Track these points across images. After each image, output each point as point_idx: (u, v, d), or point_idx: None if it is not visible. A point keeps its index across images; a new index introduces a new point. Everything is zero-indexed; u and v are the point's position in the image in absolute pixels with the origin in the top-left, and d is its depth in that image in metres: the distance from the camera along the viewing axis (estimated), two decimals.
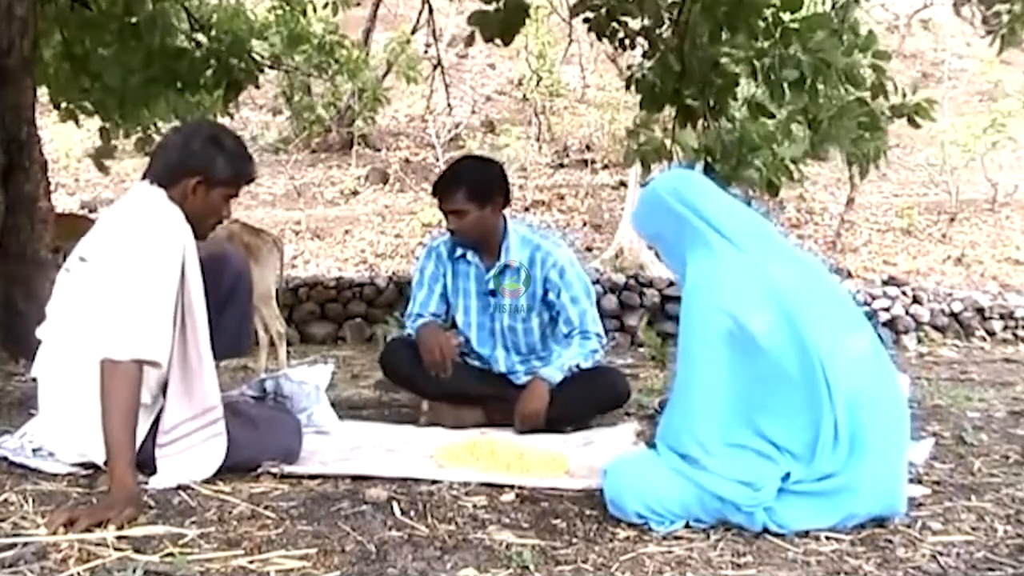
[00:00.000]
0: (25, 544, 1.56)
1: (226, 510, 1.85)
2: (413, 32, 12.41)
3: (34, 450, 2.17)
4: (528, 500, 2.02)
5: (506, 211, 3.05)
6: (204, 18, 6.07)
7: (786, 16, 4.48)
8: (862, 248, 12.80)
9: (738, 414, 1.84)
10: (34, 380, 2.18)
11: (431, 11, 7.57)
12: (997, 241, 12.98)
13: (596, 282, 6.91)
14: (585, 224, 13.04)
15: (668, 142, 5.43)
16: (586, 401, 2.96)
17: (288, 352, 4.65)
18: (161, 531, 1.68)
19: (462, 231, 2.96)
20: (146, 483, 1.96)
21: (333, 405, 2.82)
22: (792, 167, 5.25)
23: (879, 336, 1.97)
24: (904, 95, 4.88)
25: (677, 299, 6.83)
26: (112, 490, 1.81)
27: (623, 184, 13.19)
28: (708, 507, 1.80)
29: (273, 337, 4.48)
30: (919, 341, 7.54)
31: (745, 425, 1.83)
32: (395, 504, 1.92)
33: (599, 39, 5.23)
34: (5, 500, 1.85)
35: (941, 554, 1.68)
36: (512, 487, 2.10)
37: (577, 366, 2.94)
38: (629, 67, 6.26)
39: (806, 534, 1.77)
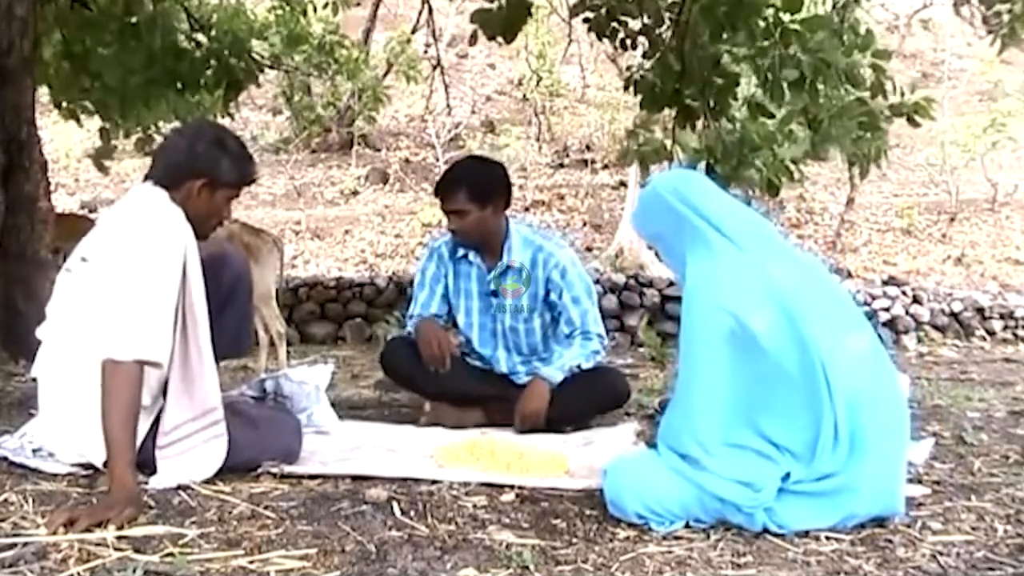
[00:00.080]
0: (25, 544, 1.56)
1: (226, 510, 1.85)
2: (413, 32, 12.41)
3: (34, 450, 2.17)
4: (528, 500, 2.02)
5: (506, 212, 3.05)
6: (204, 18, 6.07)
7: (786, 16, 4.48)
8: (862, 248, 12.80)
9: (739, 414, 1.83)
10: (34, 380, 2.18)
11: (431, 11, 7.57)
12: (997, 241, 12.98)
13: (596, 282, 6.91)
14: (585, 224, 13.04)
15: (668, 143, 5.43)
16: (586, 401, 2.96)
17: (288, 352, 4.66)
18: (161, 531, 1.68)
19: (463, 231, 2.96)
20: (146, 483, 1.96)
21: (333, 405, 2.82)
22: (792, 167, 5.25)
23: (879, 336, 1.97)
24: (902, 94, 4.88)
25: (677, 299, 6.84)
26: (112, 490, 1.81)
27: (623, 184, 13.19)
28: (708, 507, 1.80)
29: (273, 337, 4.48)
30: (919, 341, 7.54)
31: (746, 425, 1.83)
32: (395, 504, 1.92)
33: (599, 39, 5.23)
34: (5, 500, 1.85)
35: (941, 554, 1.68)
36: (512, 487, 2.10)
37: (578, 366, 2.94)
38: (629, 67, 6.27)
39: (806, 534, 1.77)
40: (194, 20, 5.95)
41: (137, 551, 1.56)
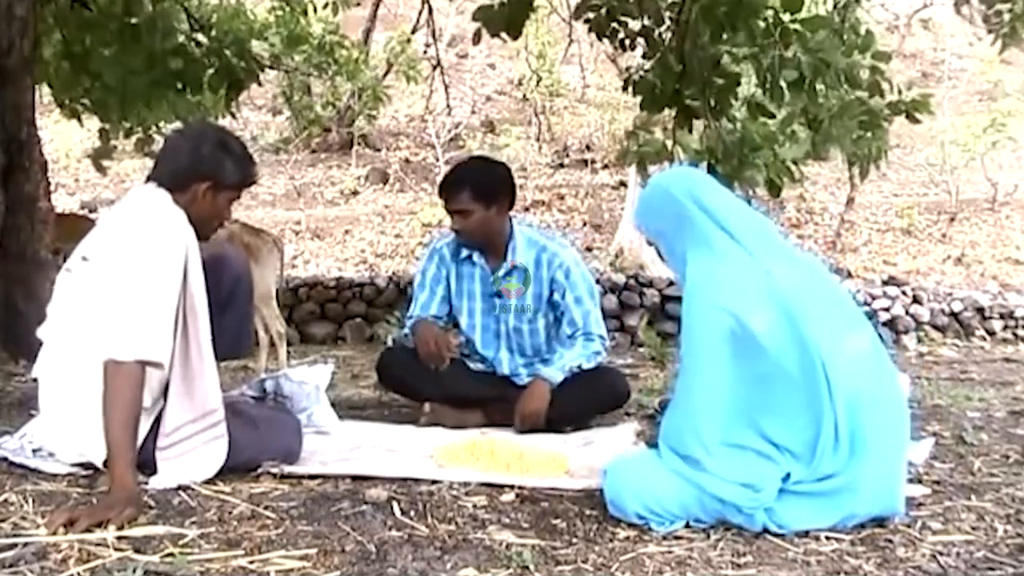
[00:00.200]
0: (25, 544, 1.56)
1: (226, 510, 1.85)
2: (413, 32, 12.40)
3: (34, 450, 2.17)
4: (528, 500, 2.02)
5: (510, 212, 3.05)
6: (204, 18, 6.07)
7: (786, 16, 4.48)
8: (862, 248, 12.79)
9: (739, 414, 1.83)
10: (35, 380, 2.19)
11: (431, 11, 7.58)
12: (997, 241, 12.98)
13: (596, 282, 6.91)
14: (585, 224, 13.04)
15: (669, 143, 5.43)
16: (586, 401, 2.96)
17: (288, 352, 4.66)
18: (161, 531, 1.68)
19: (467, 231, 2.96)
20: (146, 483, 1.96)
21: (333, 405, 2.82)
22: (793, 167, 5.25)
23: (879, 336, 1.97)
24: (900, 92, 4.88)
25: (677, 299, 6.84)
26: (112, 490, 1.81)
27: (623, 184, 13.18)
28: (708, 508, 1.80)
29: (273, 337, 4.48)
30: (919, 341, 7.54)
31: (746, 425, 1.83)
32: (395, 504, 1.92)
33: (599, 39, 5.23)
34: (5, 500, 1.85)
35: (941, 554, 1.68)
36: (512, 487, 2.10)
37: (579, 367, 2.94)
38: (628, 68, 6.27)
39: (806, 534, 1.77)
40: (194, 20, 5.95)
41: (137, 551, 1.56)
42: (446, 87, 9.63)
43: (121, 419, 1.87)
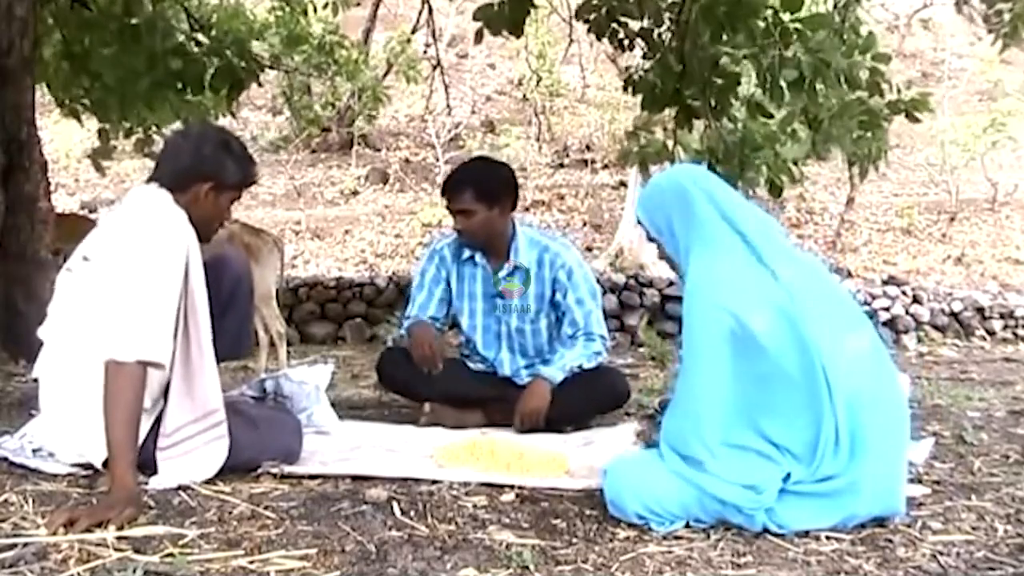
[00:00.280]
0: (25, 544, 1.56)
1: (226, 510, 1.85)
2: (413, 32, 12.40)
3: (34, 450, 2.17)
4: (528, 500, 2.02)
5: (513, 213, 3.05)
6: (204, 18, 6.07)
7: (786, 16, 4.48)
8: (862, 248, 12.79)
9: (740, 414, 1.83)
10: (35, 381, 2.19)
11: (431, 11, 7.58)
12: (997, 241, 12.98)
13: (596, 282, 6.92)
14: (585, 224, 13.03)
15: (670, 143, 5.43)
16: (586, 401, 2.96)
17: (288, 352, 4.66)
18: (161, 531, 1.68)
19: (469, 231, 2.95)
20: (146, 483, 1.96)
21: (333, 405, 2.82)
22: (793, 167, 5.25)
23: (880, 336, 1.97)
24: (899, 91, 4.88)
25: (677, 299, 6.88)
26: (112, 490, 1.81)
27: (623, 184, 13.18)
28: (708, 508, 1.80)
29: (273, 337, 4.48)
30: (919, 341, 7.55)
31: (747, 426, 1.83)
32: (395, 504, 1.92)
33: (599, 39, 5.23)
34: (5, 500, 1.85)
35: (941, 553, 1.68)
36: (512, 487, 2.10)
37: (579, 366, 2.94)
38: (628, 67, 6.26)
39: (806, 534, 1.77)
40: (194, 20, 5.95)
41: (137, 551, 1.56)
42: (446, 87, 9.63)
43: (122, 419, 1.87)
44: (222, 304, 2.23)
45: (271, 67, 7.22)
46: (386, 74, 13.05)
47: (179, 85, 5.58)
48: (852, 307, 1.99)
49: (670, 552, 1.68)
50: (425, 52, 11.49)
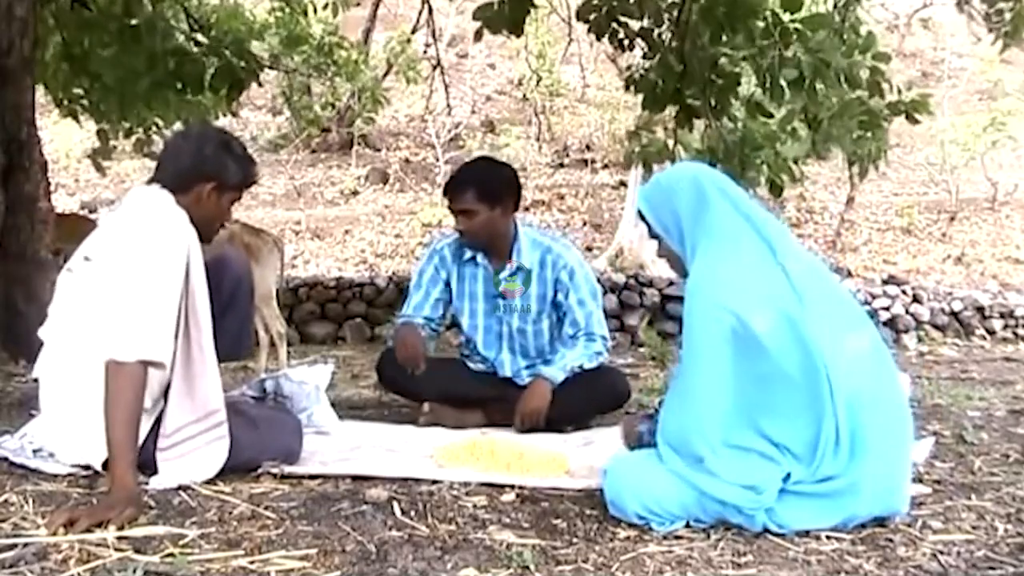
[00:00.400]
0: (25, 545, 1.56)
1: (226, 510, 1.85)
2: (413, 32, 12.41)
3: (34, 451, 2.17)
4: (528, 500, 2.02)
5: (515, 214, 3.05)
6: (204, 18, 6.07)
7: (786, 16, 4.48)
8: (862, 247, 12.80)
9: (740, 415, 1.82)
10: (35, 381, 2.19)
11: (431, 11, 7.58)
12: (997, 240, 12.98)
13: (596, 281, 6.93)
14: (585, 224, 13.04)
15: (671, 143, 5.43)
16: (586, 401, 2.96)
17: (288, 352, 4.66)
18: (161, 531, 1.68)
19: (471, 232, 2.95)
20: (146, 483, 1.96)
21: (333, 405, 2.82)
22: (794, 166, 5.25)
23: (880, 335, 1.97)
24: (899, 92, 4.88)
25: (677, 299, 6.89)
26: (112, 490, 1.81)
27: (623, 184, 13.19)
28: (708, 508, 1.80)
29: (273, 337, 4.48)
30: (919, 340, 7.55)
31: (747, 426, 1.82)
32: (395, 504, 1.92)
33: (599, 39, 5.24)
34: (5, 501, 1.85)
35: (942, 553, 1.68)
36: (512, 487, 2.10)
37: (580, 366, 2.94)
38: (629, 67, 6.27)
39: (806, 533, 1.77)
40: (194, 20, 5.95)
41: (137, 551, 1.56)
42: (446, 87, 9.63)
43: (122, 419, 1.87)
44: (222, 304, 2.23)
45: (271, 67, 7.22)
46: (386, 74, 13.05)
47: (179, 85, 5.59)
48: (853, 306, 1.98)
49: (670, 552, 1.68)
50: (425, 52, 11.50)
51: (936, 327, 7.78)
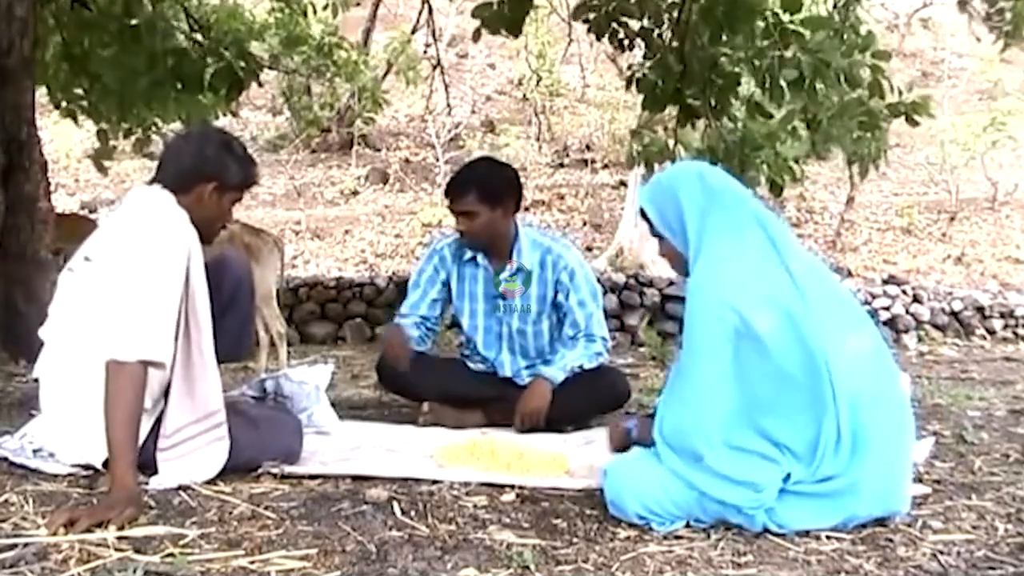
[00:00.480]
0: (26, 545, 1.56)
1: (226, 510, 1.85)
2: (413, 32, 12.40)
3: (35, 451, 2.17)
4: (528, 500, 2.02)
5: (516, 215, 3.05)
6: (203, 19, 6.07)
7: (786, 17, 4.48)
8: (862, 247, 12.79)
9: (741, 414, 1.82)
10: (35, 381, 2.19)
11: (431, 11, 7.58)
12: (997, 240, 12.98)
13: (596, 281, 6.93)
14: (585, 224, 13.04)
15: (671, 143, 5.43)
16: (586, 401, 2.96)
17: (288, 352, 4.66)
18: (162, 531, 1.68)
19: (472, 232, 2.95)
20: (146, 483, 1.96)
21: (333, 405, 2.82)
22: (794, 166, 5.25)
23: (881, 335, 1.96)
24: (900, 93, 4.88)
25: (677, 299, 6.89)
26: (112, 490, 1.81)
27: (623, 184, 13.19)
28: (708, 508, 1.80)
29: (273, 337, 4.48)
30: (919, 340, 7.55)
31: (748, 425, 1.82)
32: (395, 504, 1.92)
33: (598, 39, 5.23)
34: (6, 501, 1.85)
35: (942, 553, 1.68)
36: (512, 487, 2.10)
37: (580, 366, 2.94)
38: (629, 67, 6.27)
39: (807, 533, 1.77)
40: (193, 20, 5.95)
41: (138, 551, 1.56)
42: (446, 87, 9.63)
43: (122, 419, 1.87)
44: (223, 306, 2.23)
45: (270, 68, 7.22)
46: (386, 74, 13.05)
47: (179, 85, 5.59)
48: (854, 307, 1.98)
49: (670, 552, 1.68)
50: (425, 52, 11.49)
51: (936, 327, 7.78)
